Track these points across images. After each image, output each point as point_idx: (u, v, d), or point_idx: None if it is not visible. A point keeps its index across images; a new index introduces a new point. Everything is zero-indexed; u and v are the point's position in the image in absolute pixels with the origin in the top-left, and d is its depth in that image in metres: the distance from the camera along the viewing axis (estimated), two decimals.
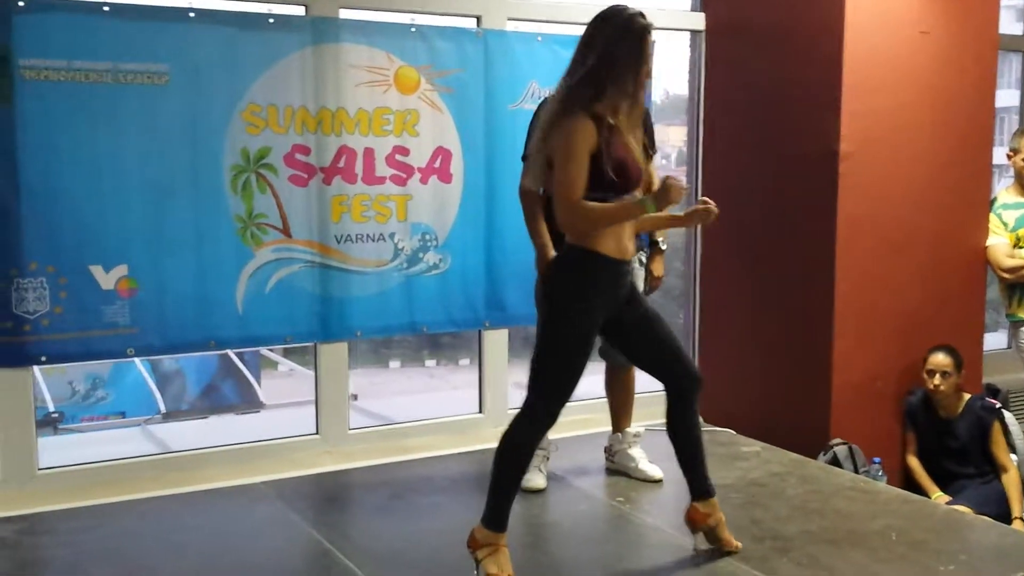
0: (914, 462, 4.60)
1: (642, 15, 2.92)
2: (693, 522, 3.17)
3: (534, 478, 3.73)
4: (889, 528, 3.38)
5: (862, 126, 4.38)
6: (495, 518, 2.92)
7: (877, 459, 4.31)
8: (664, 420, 3.14)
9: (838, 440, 4.35)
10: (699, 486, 3.15)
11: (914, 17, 4.49)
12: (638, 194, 2.97)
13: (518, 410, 2.98)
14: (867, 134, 4.39)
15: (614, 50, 2.86)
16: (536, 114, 3.75)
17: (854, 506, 3.61)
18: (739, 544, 3.17)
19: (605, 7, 2.97)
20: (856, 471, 4.22)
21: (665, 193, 2.84)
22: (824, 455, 4.30)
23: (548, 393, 2.92)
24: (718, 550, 3.15)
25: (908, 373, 4.62)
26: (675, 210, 3.12)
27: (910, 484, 4.49)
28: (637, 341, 3.11)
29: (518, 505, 3.46)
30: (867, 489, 3.82)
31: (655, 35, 2.99)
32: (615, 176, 2.85)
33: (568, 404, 2.97)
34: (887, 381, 4.62)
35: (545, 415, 2.94)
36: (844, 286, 4.42)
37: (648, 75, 2.94)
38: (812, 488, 3.80)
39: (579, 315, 2.90)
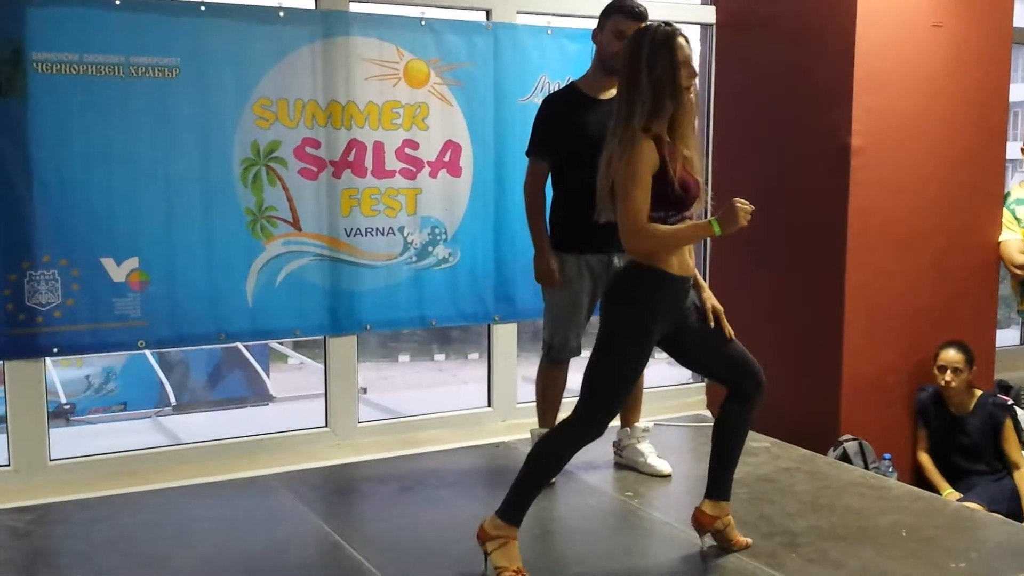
0: (925, 458, 4.58)
1: (666, 24, 2.94)
2: (700, 524, 3.15)
3: None
4: (899, 525, 3.37)
5: (874, 120, 4.36)
6: (514, 514, 2.93)
7: (887, 455, 4.30)
8: (714, 414, 3.12)
9: (848, 436, 4.34)
10: (719, 487, 3.15)
11: (927, 10, 4.46)
12: (698, 206, 3.00)
13: (567, 419, 2.99)
14: (879, 128, 4.37)
15: (651, 67, 2.86)
16: (542, 109, 3.74)
17: (864, 502, 3.60)
18: (749, 540, 3.16)
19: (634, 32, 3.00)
20: (866, 467, 4.20)
21: (731, 216, 2.85)
22: (834, 451, 4.29)
23: (601, 406, 2.93)
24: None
25: (919, 369, 4.61)
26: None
27: (921, 481, 4.47)
28: (700, 350, 3.11)
29: None
30: (877, 485, 3.80)
31: (688, 34, 2.98)
32: (678, 194, 2.87)
33: (575, 398, 2.97)
34: (898, 377, 4.60)
35: (594, 426, 2.93)
36: (855, 281, 4.41)
37: (690, 78, 2.90)
38: (822, 484, 3.79)
39: (643, 335, 2.92)
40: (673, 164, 2.88)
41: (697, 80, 2.93)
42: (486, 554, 2.92)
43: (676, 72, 2.86)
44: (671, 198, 2.87)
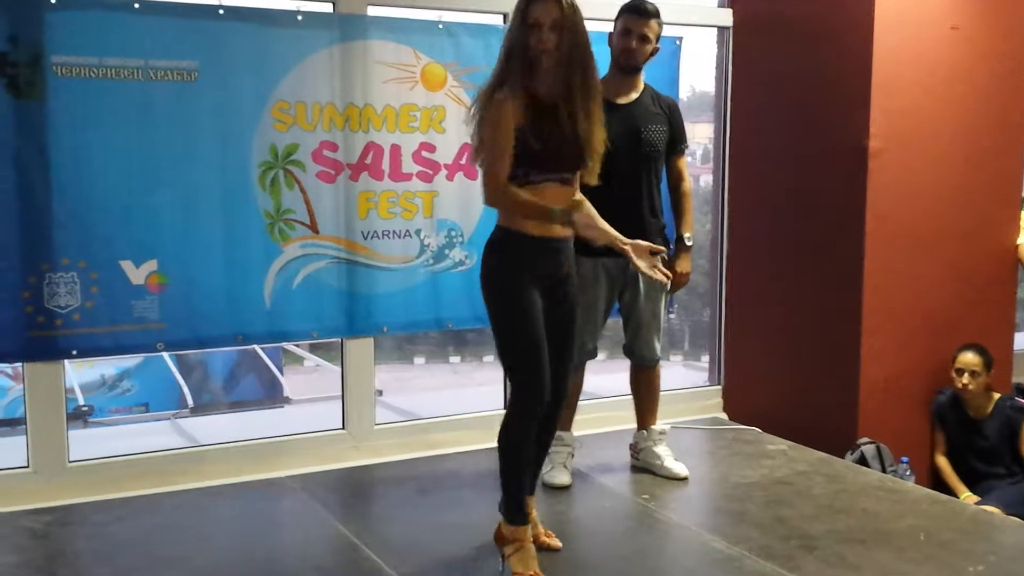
0: (943, 462, 4.57)
1: None
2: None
3: (559, 475, 3.74)
4: (917, 528, 3.36)
5: (892, 123, 4.35)
6: (514, 511, 2.95)
7: (905, 458, 4.28)
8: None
9: (866, 439, 4.33)
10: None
11: (945, 12, 4.45)
12: (585, 171, 2.99)
13: (508, 406, 2.99)
14: (897, 131, 4.36)
15: (508, 31, 2.92)
16: None
17: (881, 505, 3.59)
18: (556, 543, 3.15)
19: None
20: (884, 470, 4.19)
21: (575, 222, 2.88)
22: (851, 454, 4.28)
23: (524, 379, 2.90)
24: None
25: (937, 372, 4.59)
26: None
27: (938, 484, 4.46)
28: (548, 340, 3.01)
29: (543, 502, 3.48)
30: (895, 488, 3.79)
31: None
32: (538, 152, 2.85)
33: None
34: (916, 380, 4.59)
35: (531, 401, 2.90)
36: (872, 284, 4.39)
37: (540, 40, 2.83)
38: (839, 487, 3.78)
39: (516, 295, 2.89)
40: (544, 124, 2.85)
41: (560, 39, 2.82)
42: (503, 556, 2.93)
43: (524, 34, 2.84)
44: (531, 157, 2.85)
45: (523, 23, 2.85)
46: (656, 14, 3.66)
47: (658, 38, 3.69)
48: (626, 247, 2.93)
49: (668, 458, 3.89)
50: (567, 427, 3.84)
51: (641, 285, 3.76)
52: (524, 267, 2.92)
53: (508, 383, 2.97)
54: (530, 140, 2.84)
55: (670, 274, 3.06)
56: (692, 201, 3.90)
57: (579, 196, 3.06)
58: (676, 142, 3.82)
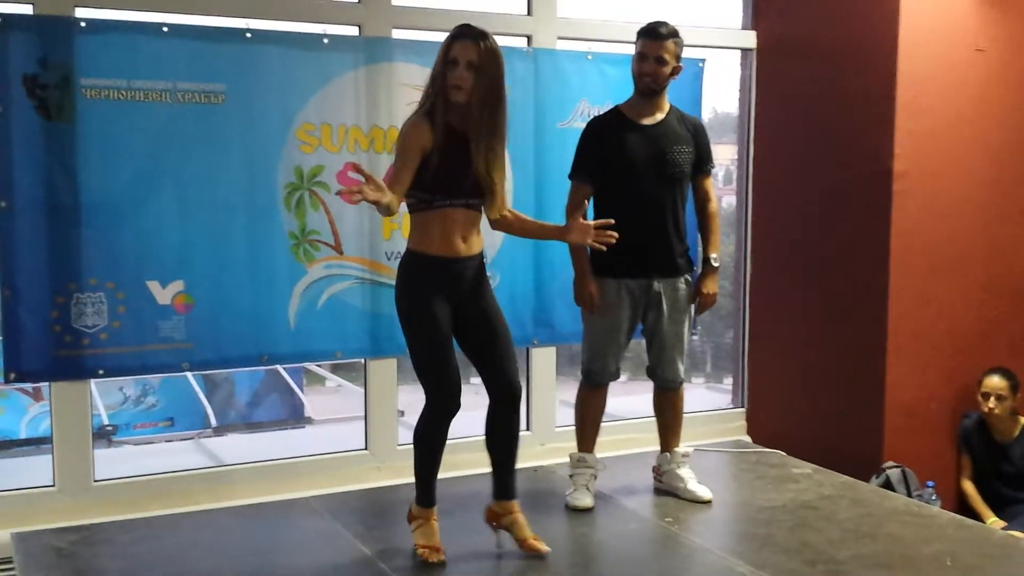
0: (969, 486, 4.52)
1: (465, 27, 3.10)
2: (488, 518, 3.33)
3: (582, 497, 3.72)
4: (943, 553, 3.32)
5: (917, 144, 4.33)
6: (425, 498, 3.25)
7: (931, 483, 4.24)
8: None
9: (891, 463, 4.29)
10: (499, 487, 3.30)
11: (970, 34, 4.44)
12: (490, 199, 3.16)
13: (424, 409, 3.17)
14: (921, 152, 4.35)
15: (435, 62, 3.11)
16: (585, 132, 3.77)
17: (907, 530, 3.55)
18: (543, 548, 3.22)
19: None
20: (909, 495, 4.15)
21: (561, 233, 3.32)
22: (877, 478, 4.24)
23: (435, 386, 3.13)
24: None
25: (963, 396, 4.55)
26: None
27: (964, 509, 4.41)
28: (472, 339, 3.23)
29: (565, 525, 3.48)
30: (921, 513, 3.75)
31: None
32: (436, 178, 3.04)
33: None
34: (941, 403, 4.55)
35: (443, 407, 3.13)
36: (897, 306, 4.37)
37: (457, 77, 3.01)
38: (864, 511, 3.74)
39: (419, 308, 3.10)
40: (451, 151, 3.03)
41: (476, 78, 3.01)
42: (495, 530, 3.27)
43: (444, 68, 3.04)
44: (432, 180, 3.03)
45: (444, 59, 3.06)
46: (670, 35, 3.64)
47: (678, 58, 3.67)
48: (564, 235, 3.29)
49: (691, 481, 3.87)
50: (590, 449, 3.83)
51: (664, 306, 3.75)
52: (428, 283, 3.11)
53: (424, 389, 3.16)
54: (433, 163, 3.02)
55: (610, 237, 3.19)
56: (719, 222, 3.88)
57: (505, 212, 3.27)
58: (702, 162, 3.80)
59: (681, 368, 3.86)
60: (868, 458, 4.36)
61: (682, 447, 3.95)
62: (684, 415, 3.97)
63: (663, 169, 3.68)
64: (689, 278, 3.83)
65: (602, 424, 3.88)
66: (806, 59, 4.78)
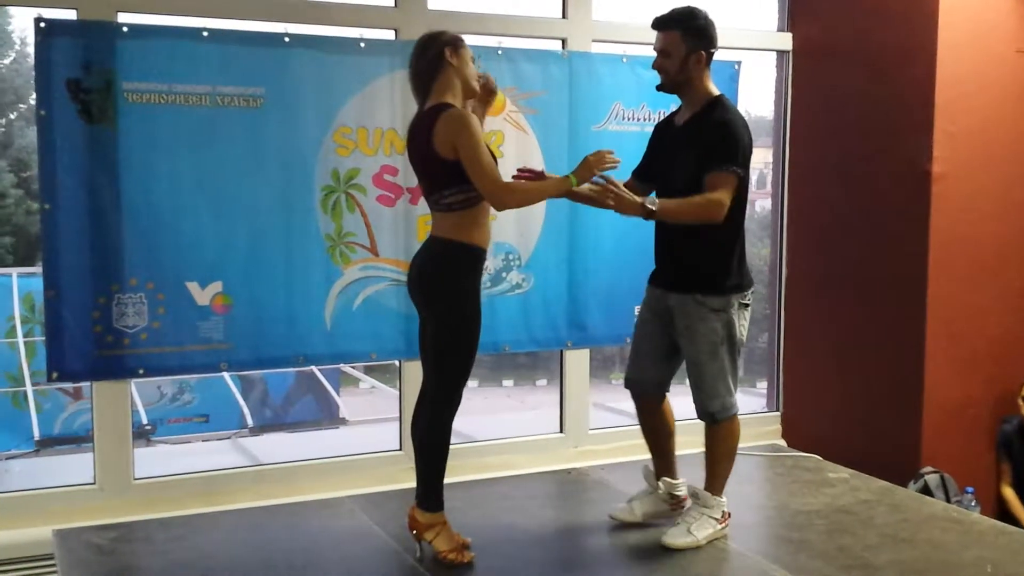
0: (1009, 492, 4.47)
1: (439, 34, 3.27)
2: (410, 527, 3.28)
3: (623, 510, 3.59)
4: (983, 560, 3.28)
5: (955, 146, 4.29)
6: (435, 504, 3.22)
7: (970, 488, 4.19)
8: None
9: (929, 468, 4.25)
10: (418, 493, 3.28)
11: (1010, 36, 4.39)
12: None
13: (430, 405, 3.20)
14: (961, 155, 4.31)
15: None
16: (655, 131, 3.59)
17: (947, 536, 3.51)
18: (468, 556, 3.22)
19: None
20: (948, 500, 4.11)
21: (585, 166, 3.18)
22: (915, 483, 4.20)
23: (459, 386, 3.19)
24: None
25: (1002, 400, 4.50)
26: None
27: (1004, 515, 4.36)
28: (423, 338, 3.30)
29: (600, 528, 3.47)
30: (960, 519, 3.71)
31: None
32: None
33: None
34: (981, 408, 4.50)
35: (453, 405, 3.20)
36: (936, 309, 4.33)
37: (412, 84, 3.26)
38: (902, 517, 3.71)
39: (470, 310, 3.15)
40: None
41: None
42: (419, 542, 3.23)
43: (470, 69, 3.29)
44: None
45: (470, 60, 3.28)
46: (673, 22, 3.31)
47: (689, 49, 3.29)
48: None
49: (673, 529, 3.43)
50: (654, 468, 3.61)
51: (678, 325, 3.39)
52: (472, 280, 3.18)
53: (439, 381, 3.19)
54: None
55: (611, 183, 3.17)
56: (696, 204, 3.22)
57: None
58: (707, 161, 3.25)
59: (708, 400, 3.35)
60: (906, 463, 4.32)
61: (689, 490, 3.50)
62: (722, 447, 3.41)
63: (672, 174, 3.39)
64: (706, 300, 3.32)
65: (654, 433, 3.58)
66: (842, 61, 4.75)
